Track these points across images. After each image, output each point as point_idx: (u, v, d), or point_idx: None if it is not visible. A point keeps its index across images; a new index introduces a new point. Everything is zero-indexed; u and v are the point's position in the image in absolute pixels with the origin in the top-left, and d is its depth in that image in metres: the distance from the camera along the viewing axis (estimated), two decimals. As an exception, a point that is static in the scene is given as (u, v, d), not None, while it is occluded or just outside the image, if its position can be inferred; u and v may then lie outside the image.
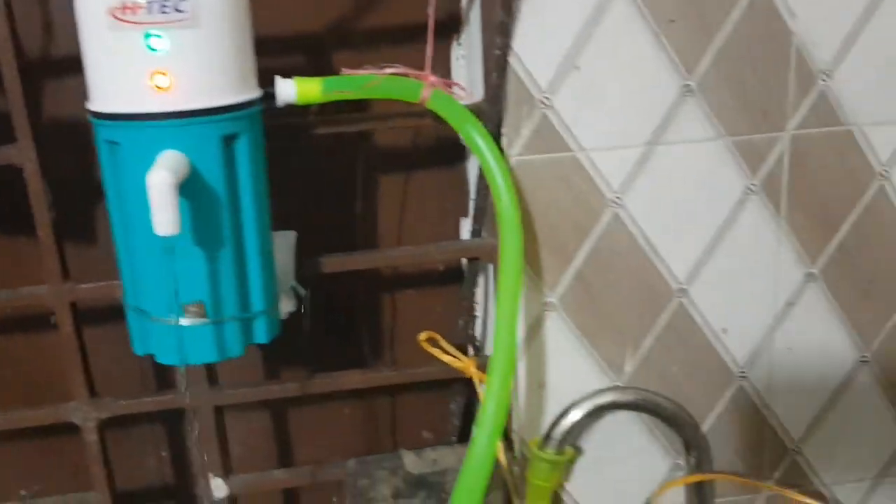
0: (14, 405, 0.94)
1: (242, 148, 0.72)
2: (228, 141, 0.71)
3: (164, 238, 0.65)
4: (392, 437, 1.19)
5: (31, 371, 1.05)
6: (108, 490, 0.95)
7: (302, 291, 0.88)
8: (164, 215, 0.64)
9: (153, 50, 0.66)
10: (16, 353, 1.05)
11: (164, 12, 0.66)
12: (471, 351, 1.05)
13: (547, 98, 0.85)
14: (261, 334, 0.79)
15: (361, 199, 1.02)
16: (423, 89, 0.80)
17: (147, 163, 0.66)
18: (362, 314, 1.09)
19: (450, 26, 0.98)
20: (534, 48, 0.84)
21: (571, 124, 0.86)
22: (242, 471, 1.15)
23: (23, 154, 0.82)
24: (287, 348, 1.08)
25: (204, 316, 0.74)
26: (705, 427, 0.98)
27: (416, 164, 1.04)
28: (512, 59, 0.84)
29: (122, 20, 0.66)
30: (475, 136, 0.81)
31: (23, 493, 1.13)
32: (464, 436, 1.11)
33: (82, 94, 0.72)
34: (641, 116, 0.88)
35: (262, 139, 0.76)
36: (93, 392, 0.92)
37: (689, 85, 0.87)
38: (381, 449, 1.18)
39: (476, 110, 0.85)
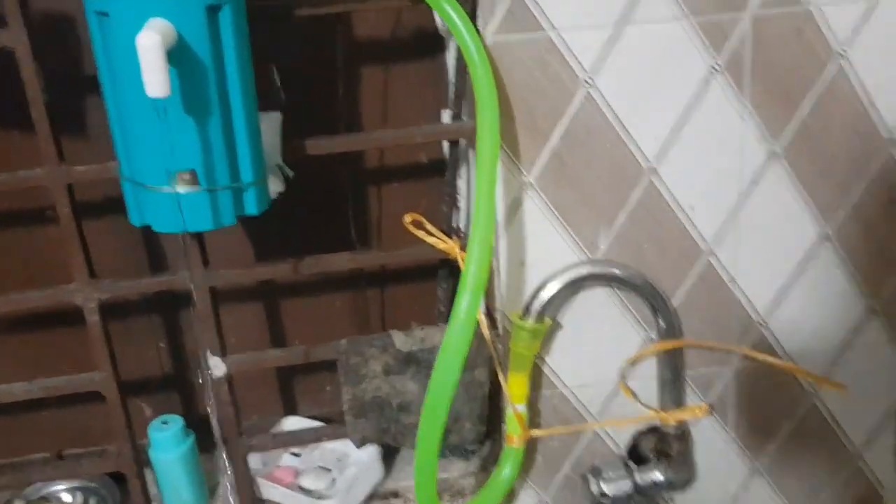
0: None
1: (226, 19, 0.76)
2: (213, 11, 0.74)
3: (155, 100, 0.69)
4: (382, 327, 1.24)
5: (32, 263, 1.10)
6: (111, 369, 1.00)
7: (289, 172, 0.93)
8: (155, 76, 0.68)
9: (138, -82, 0.70)
10: (15, 247, 1.09)
11: None
12: (455, 238, 1.10)
13: (520, -22, 0.89)
14: (251, 205, 0.83)
15: (344, 87, 1.05)
16: (401, -32, 0.84)
17: (135, 31, 0.69)
18: (348, 203, 1.13)
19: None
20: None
21: (543, 3, 0.89)
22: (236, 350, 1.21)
23: (14, 37, 0.85)
24: (276, 234, 1.13)
25: (196, 184, 0.78)
26: (676, 301, 1.03)
27: (396, 55, 1.07)
28: (487, -61, 0.87)
29: None
30: (452, 14, 0.85)
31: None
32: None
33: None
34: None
35: (245, 14, 0.80)
36: (92, 274, 0.96)
37: (656, -34, 0.90)
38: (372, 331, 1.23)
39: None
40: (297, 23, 0.90)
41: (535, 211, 0.98)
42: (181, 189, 0.78)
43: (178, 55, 0.73)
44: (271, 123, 0.90)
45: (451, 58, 1.06)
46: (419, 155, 1.13)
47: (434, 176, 1.14)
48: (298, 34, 1.01)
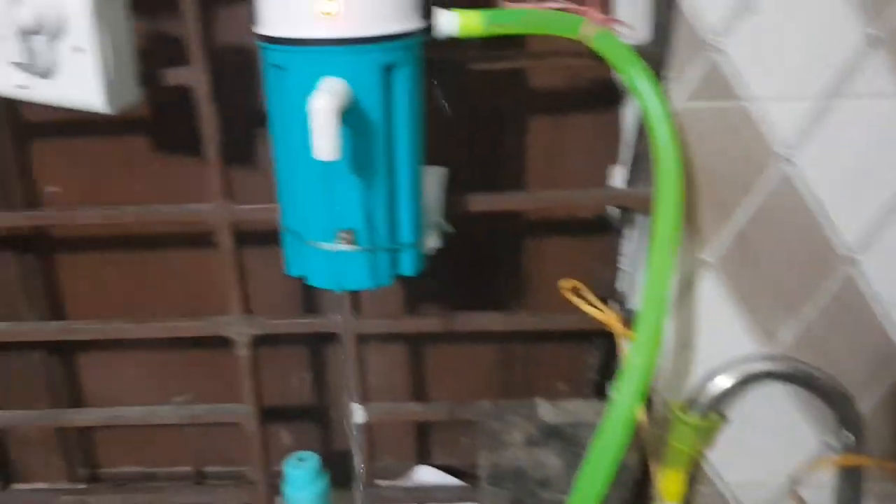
0: (174, 316, 1.00)
1: (401, 78, 0.72)
2: (388, 70, 0.71)
3: (322, 163, 0.66)
4: (526, 384, 1.19)
5: (192, 285, 1.12)
6: (255, 403, 1.00)
7: (448, 228, 0.89)
8: (325, 140, 0.65)
9: (322, -25, 0.67)
10: (179, 267, 1.11)
11: (336, -64, 0.66)
12: (614, 305, 1.02)
13: (718, 41, 0.80)
14: (407, 266, 0.80)
15: (511, 138, 1.00)
16: (584, 26, 0.77)
17: (310, 88, 0.67)
18: (505, 257, 1.08)
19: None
20: (709, -13, 0.79)
21: (743, 71, 0.81)
22: (377, 397, 1.19)
23: (195, 76, 0.85)
24: (429, 285, 1.09)
25: (355, 243, 0.75)
26: (864, 408, 0.91)
27: (568, 106, 1.01)
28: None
29: (295, -57, 0.67)
30: (638, 79, 0.78)
31: (177, 399, 1.21)
32: (600, 391, 1.10)
33: (250, 19, 0.74)
34: (820, 66, 0.81)
35: (421, 71, 0.76)
36: (247, 309, 0.96)
37: (875, 35, 0.79)
38: (514, 394, 1.18)
39: (640, 51, 0.81)
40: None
41: (710, 292, 0.89)
42: (339, 247, 0.75)
43: (349, 115, 0.70)
44: (435, 178, 0.87)
45: (628, 113, 0.98)
46: (582, 210, 1.07)
47: (596, 234, 1.07)
48: (472, 83, 0.97)
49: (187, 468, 1.24)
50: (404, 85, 0.73)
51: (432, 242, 0.88)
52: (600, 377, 1.09)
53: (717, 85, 0.82)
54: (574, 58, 0.83)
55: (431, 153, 0.83)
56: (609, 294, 1.01)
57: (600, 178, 1.03)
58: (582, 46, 0.79)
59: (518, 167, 1.03)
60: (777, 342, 0.90)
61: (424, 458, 1.23)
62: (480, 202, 0.89)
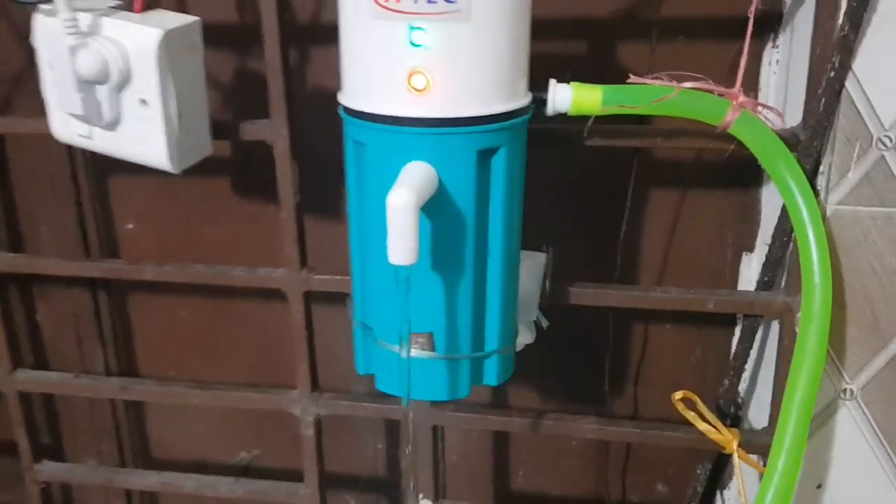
0: (243, 373, 0.92)
1: (500, 163, 0.61)
2: (486, 155, 0.61)
3: (398, 266, 0.56)
4: (621, 480, 1.06)
5: (265, 335, 1.05)
6: (317, 485, 0.91)
7: (544, 322, 0.77)
8: (401, 243, 0.55)
9: (415, 45, 0.57)
10: (251, 314, 1.04)
11: (431, 1, 0.56)
12: (730, 409, 0.89)
13: (889, 138, 0.66)
14: (491, 375, 0.69)
15: (625, 217, 0.88)
16: (729, 111, 0.65)
17: (393, 170, 0.58)
18: (606, 341, 0.96)
19: (764, 23, 0.80)
20: (881, 73, 0.65)
21: (919, 175, 0.66)
22: (454, 483, 1.09)
23: (275, 131, 0.77)
24: (519, 372, 0.98)
25: (431, 349, 0.65)
26: None
27: (694, 182, 0.88)
28: (849, 84, 0.66)
29: (385, 7, 0.57)
30: (786, 175, 0.64)
31: (243, 453, 1.14)
32: (704, 504, 0.96)
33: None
34: None
35: (524, 153, 0.65)
36: (315, 385, 0.87)
37: None
38: (606, 491, 1.05)
39: (789, 139, 0.68)
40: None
41: (852, 428, 0.74)
42: (414, 353, 0.65)
43: (435, 205, 0.60)
44: (533, 267, 0.75)
45: (767, 195, 0.85)
46: (700, 280, 0.93)
47: (715, 325, 0.93)
48: (582, 157, 0.85)
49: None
50: (503, 170, 0.62)
51: (524, 339, 0.77)
52: (706, 492, 0.95)
53: (883, 187, 0.67)
54: (710, 140, 0.70)
55: (531, 235, 0.72)
56: (726, 401, 0.87)
57: (730, 265, 0.90)
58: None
59: (631, 248, 0.90)
60: (932, 495, 0.75)
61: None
62: (585, 295, 0.78)
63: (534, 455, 1.06)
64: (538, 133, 0.68)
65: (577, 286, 0.78)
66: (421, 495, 0.89)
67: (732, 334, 0.94)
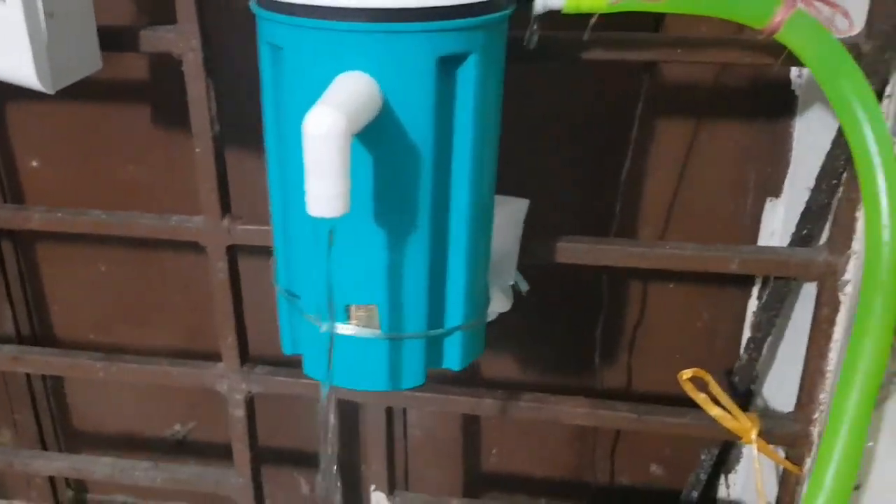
0: (176, 337, 0.77)
1: (469, 77, 0.45)
2: (449, 65, 0.44)
3: (318, 219, 0.40)
4: (609, 460, 0.92)
5: (197, 302, 0.88)
6: (250, 473, 0.76)
7: (523, 287, 0.62)
8: (323, 186, 0.39)
9: None
10: (184, 277, 0.88)
11: None
12: (746, 388, 0.75)
13: None
14: (453, 358, 0.53)
15: (629, 155, 0.71)
16: (779, 9, 0.48)
17: (320, 84, 0.41)
18: (599, 304, 0.80)
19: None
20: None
21: None
22: (417, 464, 0.95)
23: (183, 40, 0.60)
24: (495, 341, 0.83)
25: (375, 326, 0.49)
26: None
27: (712, 111, 0.72)
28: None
29: None
30: (851, 98, 0.48)
31: (177, 426, 0.99)
32: (705, 495, 0.82)
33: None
34: None
35: (501, 66, 0.49)
36: (245, 358, 0.72)
37: None
38: (592, 472, 0.92)
39: (853, 52, 0.52)
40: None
41: (904, 418, 0.60)
42: (352, 329, 0.49)
43: (376, 136, 0.43)
44: (510, 218, 0.59)
45: (801, 126, 0.69)
46: (713, 229, 0.78)
47: (729, 285, 0.79)
48: (574, 77, 0.68)
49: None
50: (473, 87, 0.45)
51: (498, 307, 0.61)
52: (710, 478, 0.81)
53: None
54: (748, 52, 0.54)
55: (510, 178, 0.56)
56: (741, 377, 0.73)
57: (749, 213, 0.75)
58: (749, 34, 0.50)
59: (633, 194, 0.74)
60: None
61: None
62: (576, 252, 0.62)
63: (509, 431, 0.91)
64: (521, 43, 0.51)
65: (565, 241, 0.62)
66: (373, 486, 0.74)
67: (749, 295, 0.79)
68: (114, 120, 0.81)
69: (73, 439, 1.01)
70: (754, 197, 0.75)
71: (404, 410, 0.88)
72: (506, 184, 0.55)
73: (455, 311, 0.51)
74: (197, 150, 0.63)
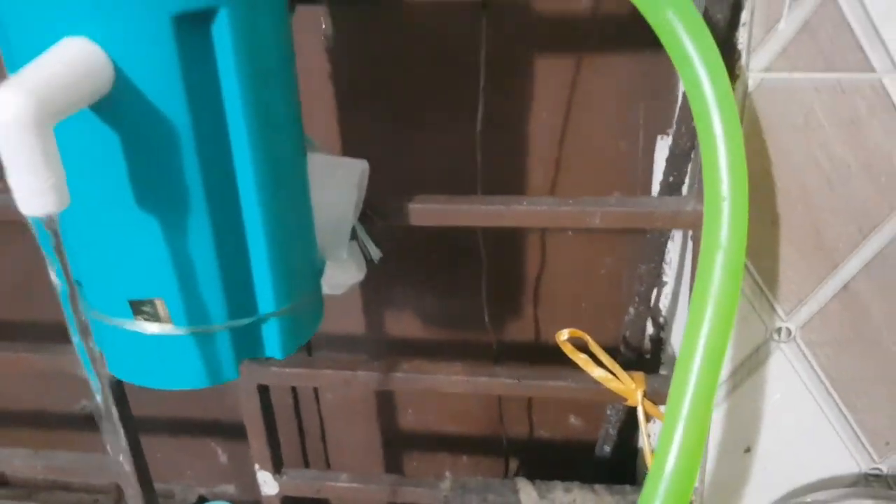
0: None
1: (224, 34, 0.38)
2: (193, 24, 0.38)
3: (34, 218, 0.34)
4: (528, 415, 0.88)
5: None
6: (131, 458, 0.72)
7: (375, 253, 0.57)
8: (27, 180, 0.33)
9: None
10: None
11: None
12: (640, 343, 0.70)
13: (843, -38, 0.43)
14: (273, 345, 0.48)
15: (480, 100, 0.64)
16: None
17: (36, 53, 0.35)
18: (487, 256, 0.75)
19: None
20: None
21: (880, 22, 0.44)
22: (333, 426, 0.91)
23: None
24: (385, 299, 0.79)
25: (165, 320, 0.44)
26: None
27: (591, 44, 0.65)
28: None
29: None
30: (676, 28, 0.42)
31: (84, 402, 0.96)
32: (620, 447, 0.78)
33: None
34: None
35: (281, 14, 0.42)
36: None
37: None
38: (511, 428, 0.88)
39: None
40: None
41: (788, 375, 0.55)
42: (140, 327, 0.44)
43: (114, 111, 0.37)
44: (346, 183, 0.54)
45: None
46: (604, 172, 0.72)
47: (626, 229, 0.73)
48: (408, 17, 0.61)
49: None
50: (233, 45, 0.39)
51: (346, 278, 0.56)
52: (615, 444, 0.77)
53: (831, 45, 0.45)
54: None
55: (349, 138, 0.50)
56: (635, 340, 0.68)
57: (640, 154, 0.69)
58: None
59: (499, 142, 0.68)
60: (892, 458, 0.56)
61: None
62: (430, 214, 0.56)
63: (420, 390, 0.87)
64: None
65: (409, 201, 0.56)
66: (257, 466, 0.71)
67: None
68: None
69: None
70: (645, 135, 0.68)
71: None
72: (353, 147, 0.49)
73: (266, 297, 0.46)
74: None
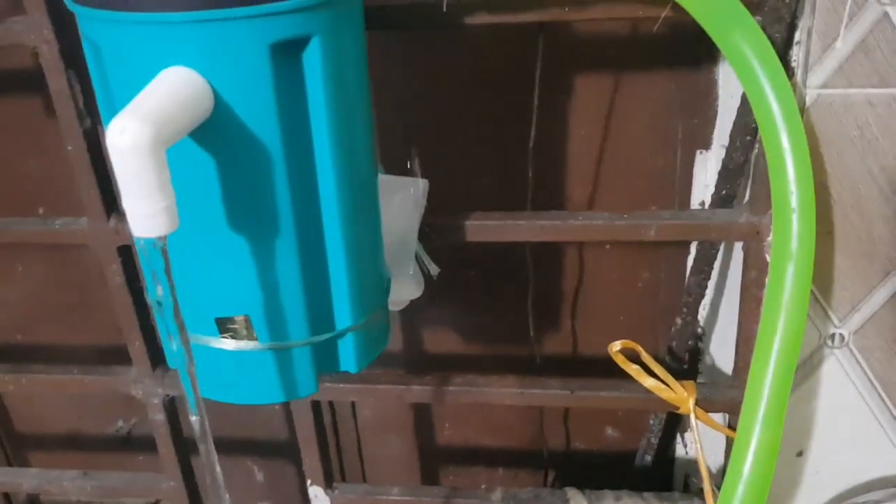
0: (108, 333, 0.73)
1: (315, 61, 0.40)
2: (288, 51, 0.39)
3: (145, 239, 0.36)
4: (563, 426, 0.89)
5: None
6: (179, 474, 0.73)
7: (433, 269, 0.58)
8: (142, 204, 0.34)
9: None
10: (95, 277, 0.84)
11: None
12: (684, 352, 0.71)
13: (899, -18, 0.45)
14: (349, 360, 0.49)
15: (534, 119, 0.66)
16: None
17: (139, 87, 0.36)
18: (524, 274, 0.76)
19: None
20: None
21: (942, 36, 0.46)
22: (370, 442, 0.92)
23: (34, 31, 0.54)
24: (428, 319, 0.80)
25: (251, 337, 0.45)
26: None
27: (630, 64, 0.67)
28: None
29: None
30: (744, 50, 0.44)
31: (120, 423, 0.97)
32: (660, 456, 0.80)
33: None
34: None
35: (361, 40, 0.44)
36: (157, 360, 0.68)
37: None
38: (546, 439, 0.89)
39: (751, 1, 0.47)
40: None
41: (842, 379, 0.57)
42: (225, 344, 0.45)
43: (214, 136, 0.39)
44: (408, 197, 0.55)
45: (725, 73, 0.64)
46: (647, 196, 0.74)
47: (664, 243, 0.75)
48: (467, 42, 0.63)
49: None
50: (322, 71, 0.40)
51: (406, 294, 0.57)
52: (662, 440, 0.79)
53: (888, 60, 0.47)
54: (638, 5, 0.49)
55: (401, 157, 0.52)
56: (682, 353, 0.69)
57: (681, 168, 0.70)
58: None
59: (549, 161, 0.70)
60: (944, 459, 0.58)
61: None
62: (480, 230, 0.58)
63: (459, 405, 0.89)
64: (385, 12, 0.46)
65: (473, 219, 0.57)
66: (309, 481, 0.72)
67: (688, 252, 0.75)
68: (6, 114, 0.76)
69: (18, 445, 0.99)
70: (683, 150, 0.70)
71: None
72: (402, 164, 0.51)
73: (343, 313, 0.47)
74: (69, 147, 0.58)
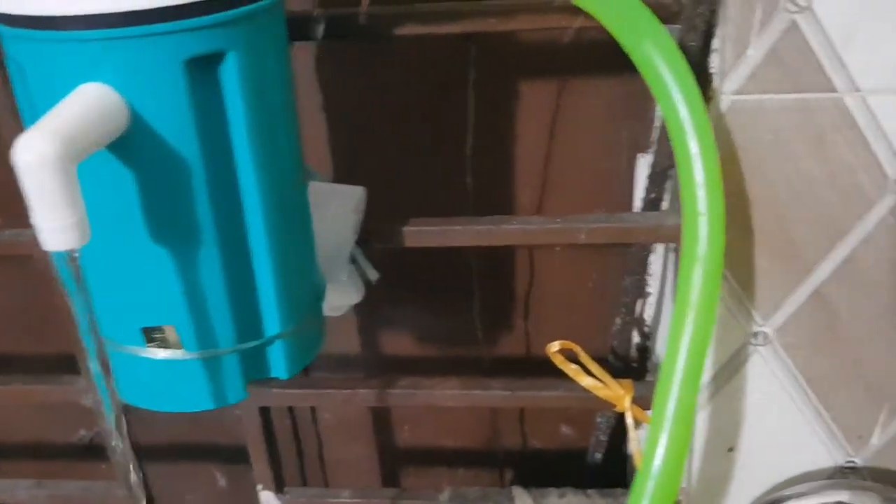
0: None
1: (232, 75, 0.41)
2: (203, 66, 0.40)
3: (56, 253, 0.37)
4: (520, 426, 0.90)
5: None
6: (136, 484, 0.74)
7: (373, 275, 0.59)
8: (51, 217, 0.35)
9: None
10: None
11: None
12: (627, 352, 0.73)
13: (804, -8, 0.47)
14: (279, 366, 0.51)
15: (467, 126, 0.67)
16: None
17: (57, 99, 0.37)
18: (469, 277, 0.77)
19: None
20: None
21: (840, 46, 0.47)
22: (331, 445, 0.93)
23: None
24: (377, 321, 0.81)
25: (177, 346, 0.46)
26: None
27: (573, 68, 0.68)
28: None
29: None
30: (653, 58, 0.45)
31: (83, 432, 0.97)
32: (610, 451, 0.81)
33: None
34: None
35: (283, 52, 0.45)
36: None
37: None
38: (504, 440, 0.90)
39: (666, 6, 0.48)
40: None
41: (768, 376, 0.58)
42: (152, 353, 0.46)
43: (129, 150, 0.40)
44: (345, 208, 0.56)
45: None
46: (588, 190, 0.75)
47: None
48: (400, 51, 0.64)
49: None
50: (240, 85, 0.41)
51: (344, 300, 0.58)
52: (605, 450, 0.80)
53: (797, 67, 0.48)
54: (558, 14, 0.50)
55: (346, 167, 0.53)
56: (623, 349, 0.71)
57: (622, 172, 0.72)
58: None
59: (489, 165, 0.71)
60: (864, 449, 0.59)
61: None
62: (424, 236, 0.59)
63: (416, 406, 0.90)
64: (305, 23, 0.48)
65: (404, 224, 0.59)
66: (260, 486, 0.73)
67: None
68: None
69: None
70: (627, 153, 0.71)
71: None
72: (349, 175, 0.52)
73: (272, 320, 0.48)
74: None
